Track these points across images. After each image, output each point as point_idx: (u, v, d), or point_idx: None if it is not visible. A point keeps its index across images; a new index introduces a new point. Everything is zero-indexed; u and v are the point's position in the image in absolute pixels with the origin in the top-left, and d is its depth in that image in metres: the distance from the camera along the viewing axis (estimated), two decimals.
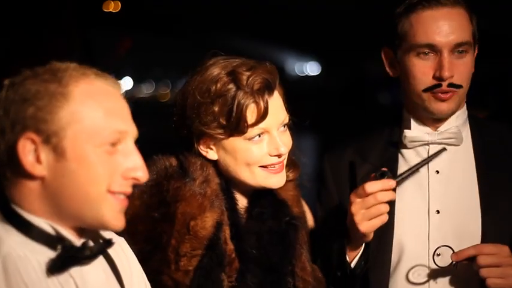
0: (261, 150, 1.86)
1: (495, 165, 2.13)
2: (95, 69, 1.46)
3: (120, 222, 1.44)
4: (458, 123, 2.15)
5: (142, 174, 1.44)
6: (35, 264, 1.37)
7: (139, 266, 1.63)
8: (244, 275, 1.83)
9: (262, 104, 1.83)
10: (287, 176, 1.93)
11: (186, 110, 1.84)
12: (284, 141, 1.86)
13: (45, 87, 1.38)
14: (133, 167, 1.43)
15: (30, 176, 1.38)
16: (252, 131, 1.83)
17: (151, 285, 1.70)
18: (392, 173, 2.05)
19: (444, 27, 2.06)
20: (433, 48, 2.08)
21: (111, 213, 1.41)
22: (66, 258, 1.40)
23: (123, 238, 1.58)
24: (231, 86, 1.82)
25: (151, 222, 1.75)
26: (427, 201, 2.13)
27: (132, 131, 1.46)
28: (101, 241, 1.50)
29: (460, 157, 2.17)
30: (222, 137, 1.83)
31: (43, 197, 1.40)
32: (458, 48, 2.07)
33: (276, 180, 1.88)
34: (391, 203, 2.08)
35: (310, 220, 2.15)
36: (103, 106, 1.41)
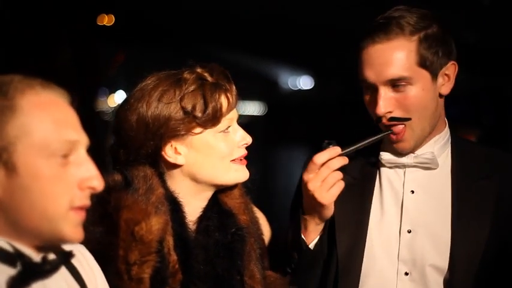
0: (232, 142, 1.91)
1: (471, 190, 2.13)
2: (40, 80, 1.41)
3: (79, 234, 1.41)
4: (435, 147, 2.16)
5: (98, 182, 1.40)
6: None
7: (102, 273, 1.60)
8: (187, 287, 1.82)
9: (231, 92, 1.89)
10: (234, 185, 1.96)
11: (149, 120, 1.85)
12: None
13: None
14: (89, 176, 1.39)
15: None
16: (223, 122, 1.88)
17: None
18: (366, 187, 2.10)
19: (375, 64, 2.05)
20: (370, 85, 2.09)
21: (71, 227, 1.39)
22: (27, 275, 1.35)
23: (83, 246, 1.55)
24: (197, 81, 1.88)
25: (97, 237, 1.72)
26: (400, 220, 2.14)
27: (83, 139, 1.41)
28: (61, 253, 1.45)
29: (437, 179, 2.17)
30: (196, 131, 1.86)
31: None
32: (394, 83, 2.07)
33: (244, 172, 1.89)
34: (365, 212, 2.12)
35: (264, 225, 2.15)
36: (51, 117, 1.37)
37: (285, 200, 2.09)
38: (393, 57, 2.06)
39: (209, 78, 1.87)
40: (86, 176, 1.40)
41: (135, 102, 1.89)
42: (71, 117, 1.42)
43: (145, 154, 1.87)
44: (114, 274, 1.73)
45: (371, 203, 2.14)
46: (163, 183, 1.89)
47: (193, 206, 1.90)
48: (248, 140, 1.89)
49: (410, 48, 2.06)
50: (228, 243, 1.90)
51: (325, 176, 2.00)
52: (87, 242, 1.66)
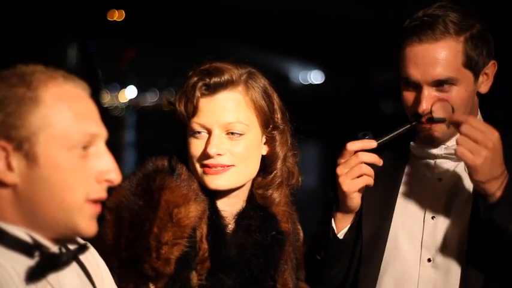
0: (198, 147, 1.90)
1: None
2: (62, 72, 1.41)
3: (92, 228, 1.39)
4: None
5: (115, 176, 1.39)
6: (11, 272, 1.32)
7: (108, 270, 1.59)
8: (215, 276, 1.84)
9: (193, 100, 1.89)
10: (278, 193, 1.95)
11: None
12: (223, 146, 1.86)
13: (13, 92, 1.33)
14: (107, 169, 1.38)
15: (2, 184, 1.33)
16: (192, 125, 1.88)
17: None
18: (395, 177, 2.10)
19: (421, 63, 2.02)
20: (414, 83, 2.08)
21: (85, 221, 1.38)
22: (45, 266, 1.36)
23: (90, 244, 1.56)
24: (187, 81, 1.93)
25: (136, 209, 1.76)
26: (424, 207, 2.17)
27: (102, 133, 1.40)
28: (76, 245, 1.45)
29: (464, 167, 2.18)
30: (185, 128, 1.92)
31: (16, 204, 1.35)
32: (440, 83, 2.06)
33: (211, 181, 1.84)
34: (392, 200, 2.12)
35: (301, 240, 2.16)
36: (73, 109, 1.37)
37: (298, 193, 2.09)
38: (441, 57, 2.01)
39: (189, 81, 1.90)
40: (104, 169, 1.39)
41: None
42: (91, 110, 1.42)
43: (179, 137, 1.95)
44: (143, 249, 1.76)
45: (398, 192, 2.15)
46: None
47: (222, 199, 1.93)
48: (210, 151, 1.83)
49: (457, 48, 2.05)
50: (266, 245, 1.91)
51: (353, 164, 2.03)
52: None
